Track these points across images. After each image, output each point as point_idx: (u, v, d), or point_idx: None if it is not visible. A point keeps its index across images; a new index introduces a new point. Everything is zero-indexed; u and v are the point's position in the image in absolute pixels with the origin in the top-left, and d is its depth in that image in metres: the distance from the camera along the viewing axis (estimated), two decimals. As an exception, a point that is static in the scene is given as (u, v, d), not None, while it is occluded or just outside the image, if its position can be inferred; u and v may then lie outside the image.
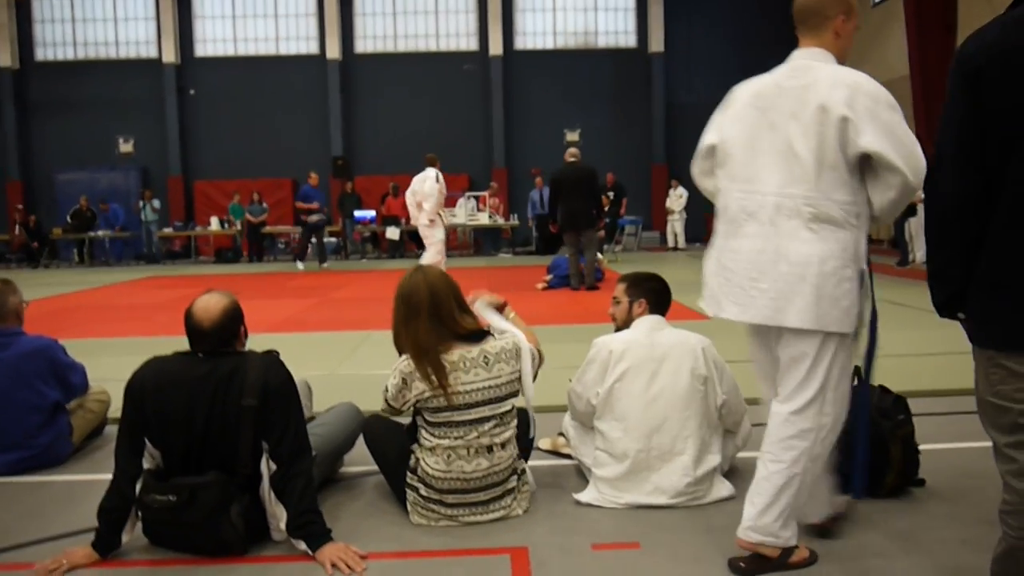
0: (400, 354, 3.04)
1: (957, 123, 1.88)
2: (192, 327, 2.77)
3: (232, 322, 2.80)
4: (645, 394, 3.10)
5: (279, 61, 22.66)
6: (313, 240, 17.03)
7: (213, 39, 22.73)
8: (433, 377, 2.90)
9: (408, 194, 10.94)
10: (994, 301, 1.86)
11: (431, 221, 10.75)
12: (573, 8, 22.87)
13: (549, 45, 22.92)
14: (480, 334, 3.04)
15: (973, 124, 1.83)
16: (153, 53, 22.53)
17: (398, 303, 3.03)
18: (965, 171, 1.86)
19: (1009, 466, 1.87)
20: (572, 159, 10.84)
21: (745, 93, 2.72)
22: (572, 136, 22.59)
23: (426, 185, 10.62)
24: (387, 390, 3.02)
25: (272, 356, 2.81)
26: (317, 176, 16.60)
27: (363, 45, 22.72)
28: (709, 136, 2.80)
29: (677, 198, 19.02)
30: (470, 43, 22.77)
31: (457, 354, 2.95)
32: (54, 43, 22.66)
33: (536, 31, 22.89)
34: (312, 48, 22.68)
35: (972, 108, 1.83)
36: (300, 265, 16.13)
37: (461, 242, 20.19)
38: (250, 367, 2.70)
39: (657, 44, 22.39)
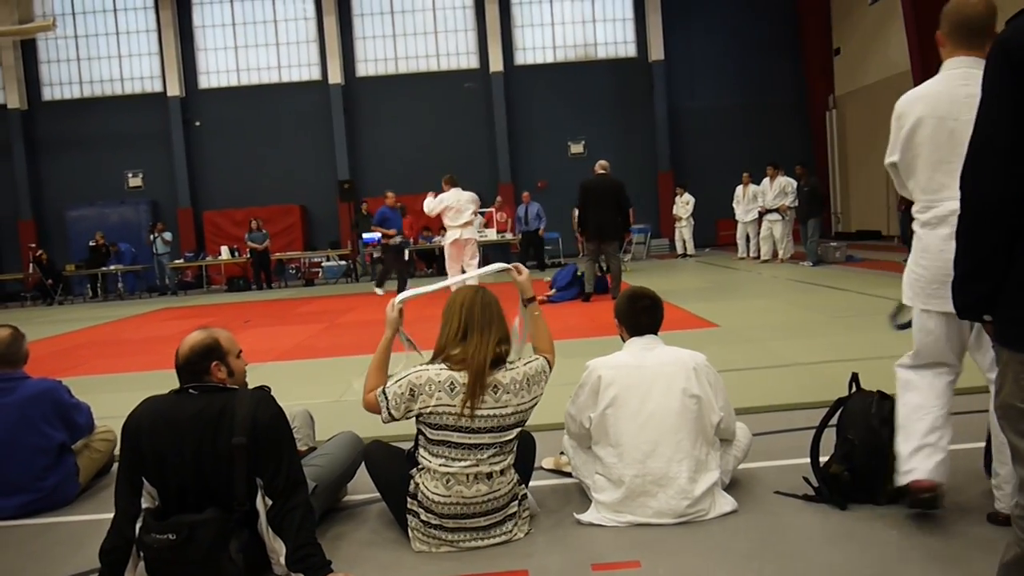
0: (437, 358, 3.02)
1: (1005, 116, 1.78)
2: (175, 361, 2.83)
3: (199, 358, 2.83)
4: (636, 419, 3.08)
5: (282, 88, 22.89)
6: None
7: (216, 71, 23.00)
8: (475, 393, 2.90)
9: (467, 213, 11.66)
10: None
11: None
12: (571, 21, 22.99)
13: (549, 59, 23.03)
14: (497, 362, 3.02)
15: (1020, 116, 1.74)
16: (158, 87, 22.82)
17: (478, 310, 3.02)
18: (1009, 165, 1.76)
19: None
20: (602, 171, 10.93)
21: (916, 107, 2.89)
22: (576, 148, 22.66)
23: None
24: (386, 398, 2.98)
25: (261, 392, 2.82)
26: (394, 195, 15.08)
27: (364, 68, 22.92)
28: (891, 156, 3.03)
29: (684, 205, 18.97)
30: (470, 61, 22.91)
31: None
32: (60, 82, 23.00)
33: (536, 46, 23.00)
34: (314, 74, 22.89)
35: (1020, 100, 1.74)
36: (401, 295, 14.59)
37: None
38: (238, 404, 2.71)
39: (657, 52, 22.44)
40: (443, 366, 2.98)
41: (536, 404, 3.10)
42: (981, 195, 1.83)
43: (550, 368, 3.19)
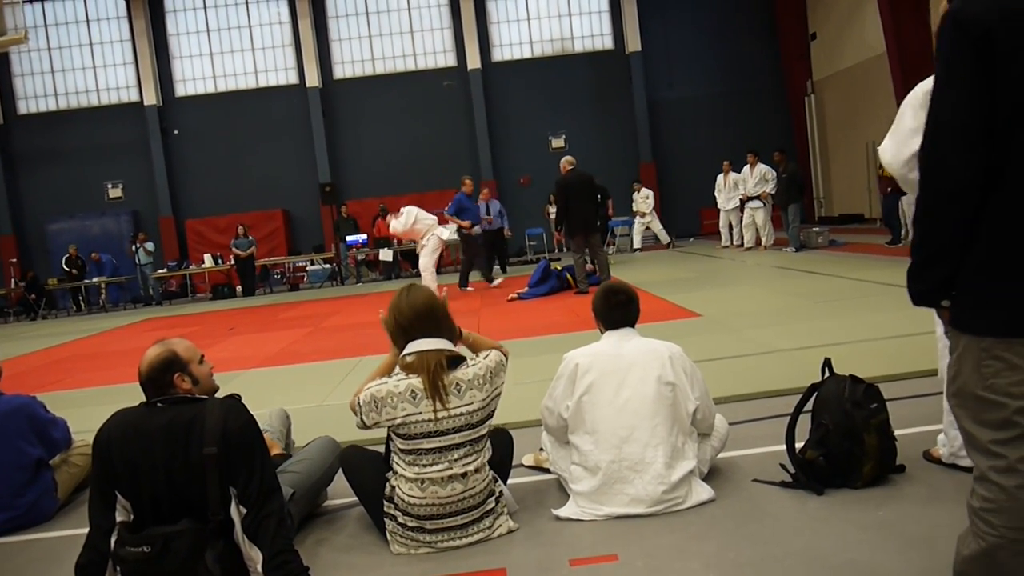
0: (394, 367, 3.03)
1: (962, 92, 1.71)
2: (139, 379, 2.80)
3: (161, 372, 2.81)
4: (612, 404, 3.10)
5: (260, 93, 22.77)
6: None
7: (192, 78, 22.87)
8: (437, 395, 2.90)
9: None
10: (996, 285, 1.73)
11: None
12: (547, 16, 22.96)
13: (527, 54, 23.00)
14: (455, 361, 3.02)
15: (981, 92, 1.68)
16: (134, 97, 22.67)
17: (406, 311, 3.03)
18: (972, 144, 1.69)
19: (995, 462, 1.78)
20: (571, 167, 10.93)
21: (912, 97, 2.91)
22: (557, 142, 22.65)
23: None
24: (360, 404, 2.98)
25: (231, 401, 2.80)
26: (471, 181, 14.11)
27: (342, 70, 22.83)
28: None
29: (643, 200, 18.86)
30: (448, 59, 22.86)
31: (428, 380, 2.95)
32: (36, 95, 22.81)
33: (512, 41, 22.97)
34: (291, 78, 22.79)
35: (980, 75, 1.68)
36: (496, 281, 13.49)
37: (454, 258, 20.15)
38: (208, 414, 2.69)
39: (634, 43, 22.45)
40: (401, 375, 2.97)
41: (499, 395, 3.08)
42: (942, 178, 1.76)
43: (506, 358, 3.17)
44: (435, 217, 12.80)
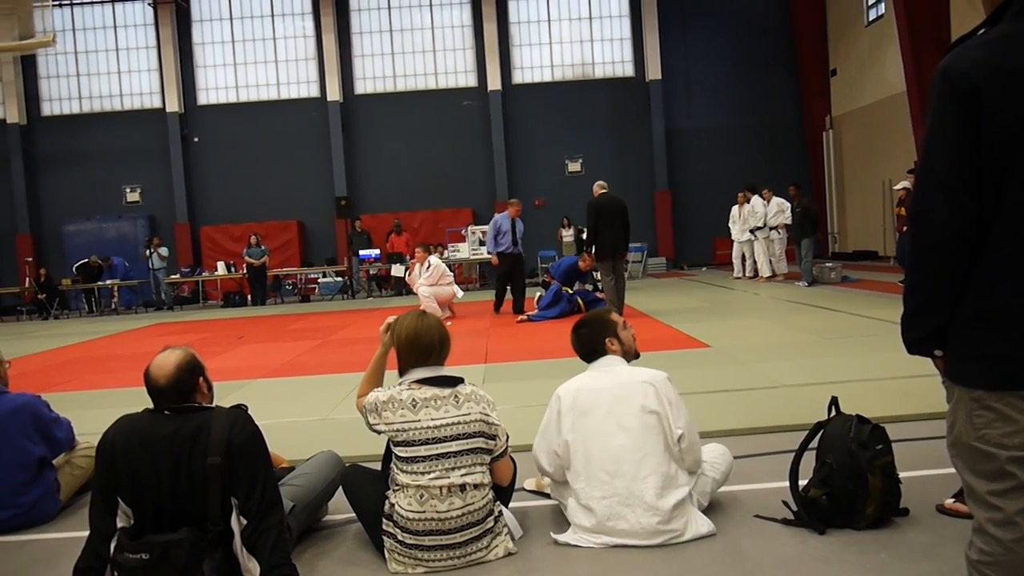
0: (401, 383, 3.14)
1: (951, 145, 1.73)
2: (150, 386, 2.78)
3: (188, 375, 2.81)
4: (597, 441, 3.10)
5: (281, 105, 22.95)
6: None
7: (215, 87, 23.09)
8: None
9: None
10: (987, 336, 1.74)
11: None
12: (569, 41, 23.10)
13: (547, 78, 23.13)
14: (455, 379, 3.13)
15: (968, 147, 1.70)
16: (157, 103, 22.90)
17: (422, 337, 3.15)
18: (961, 198, 1.71)
19: (991, 514, 1.76)
20: (603, 190, 10.86)
21: None
22: (574, 166, 22.72)
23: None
24: (365, 409, 3.12)
25: (238, 412, 2.80)
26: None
27: (363, 86, 23.00)
28: None
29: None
30: (468, 79, 23.01)
31: (430, 392, 3.04)
32: (60, 98, 23.09)
33: (533, 65, 23.11)
34: (313, 91, 22.97)
35: (968, 129, 1.70)
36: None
37: (467, 277, 20.19)
38: (214, 424, 2.70)
39: (654, 72, 22.53)
40: (405, 386, 3.08)
41: (498, 423, 3.12)
42: (929, 230, 1.78)
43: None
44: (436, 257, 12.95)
